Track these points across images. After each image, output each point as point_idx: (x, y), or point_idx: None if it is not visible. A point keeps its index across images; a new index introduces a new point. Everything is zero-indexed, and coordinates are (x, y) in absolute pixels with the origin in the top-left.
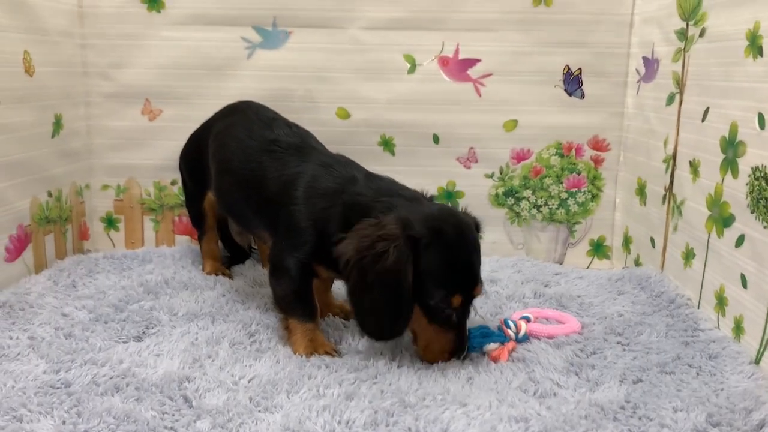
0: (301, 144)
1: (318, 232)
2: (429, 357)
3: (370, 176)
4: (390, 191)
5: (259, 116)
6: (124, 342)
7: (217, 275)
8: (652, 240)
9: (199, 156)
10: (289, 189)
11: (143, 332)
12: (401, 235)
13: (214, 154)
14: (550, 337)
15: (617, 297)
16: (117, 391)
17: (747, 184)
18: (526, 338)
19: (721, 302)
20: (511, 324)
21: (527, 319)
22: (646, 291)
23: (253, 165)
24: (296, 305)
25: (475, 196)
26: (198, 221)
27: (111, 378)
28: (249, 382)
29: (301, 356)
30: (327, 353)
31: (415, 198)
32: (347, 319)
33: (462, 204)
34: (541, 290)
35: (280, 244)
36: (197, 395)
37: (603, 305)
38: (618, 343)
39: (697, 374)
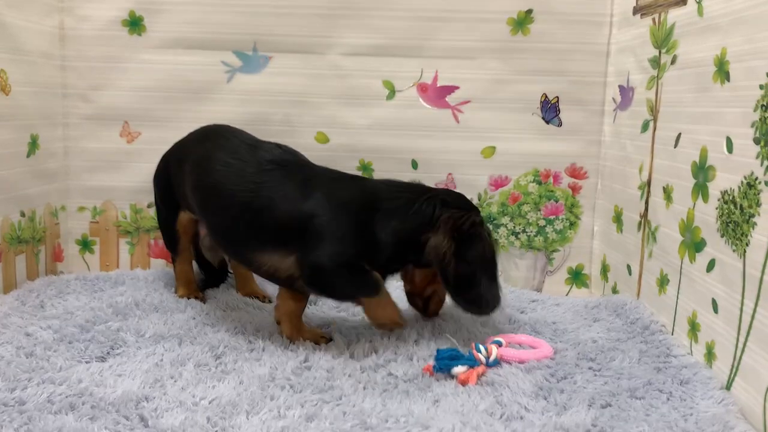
0: (299, 161)
1: (359, 239)
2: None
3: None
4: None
5: (241, 139)
6: (87, 362)
7: (189, 298)
8: (629, 267)
9: (168, 178)
10: (313, 206)
11: (107, 353)
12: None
13: (198, 182)
14: (521, 361)
15: (592, 324)
16: (71, 410)
17: (717, 208)
18: (497, 363)
19: (693, 328)
20: (482, 348)
21: (498, 344)
22: (622, 318)
23: (251, 187)
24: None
25: None
26: (171, 243)
27: (67, 397)
28: (209, 402)
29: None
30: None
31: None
32: (318, 343)
33: None
34: (516, 316)
35: (321, 251)
36: (155, 415)
37: (577, 332)
38: (590, 368)
39: (668, 399)
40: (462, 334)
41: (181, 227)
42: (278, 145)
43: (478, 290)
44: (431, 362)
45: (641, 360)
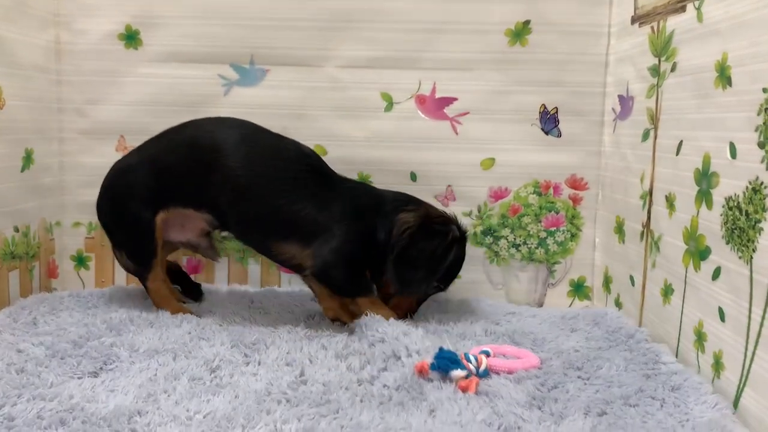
0: (324, 167)
1: (363, 242)
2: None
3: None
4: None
5: (265, 133)
6: (79, 378)
7: (184, 314)
8: (632, 278)
9: (156, 173)
10: (334, 211)
11: (100, 368)
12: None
13: (230, 175)
14: (510, 371)
15: (570, 334)
16: (62, 425)
17: (721, 215)
18: (487, 373)
19: (700, 338)
20: (472, 358)
21: (487, 354)
22: (601, 327)
23: (287, 186)
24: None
25: None
26: (147, 254)
27: (57, 412)
28: (204, 417)
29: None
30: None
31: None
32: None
33: None
34: (492, 328)
35: (330, 248)
36: (147, 429)
37: (557, 341)
38: (578, 377)
39: (661, 406)
40: (443, 345)
41: (158, 232)
42: (299, 145)
43: (413, 274)
44: (427, 359)
45: (628, 368)
